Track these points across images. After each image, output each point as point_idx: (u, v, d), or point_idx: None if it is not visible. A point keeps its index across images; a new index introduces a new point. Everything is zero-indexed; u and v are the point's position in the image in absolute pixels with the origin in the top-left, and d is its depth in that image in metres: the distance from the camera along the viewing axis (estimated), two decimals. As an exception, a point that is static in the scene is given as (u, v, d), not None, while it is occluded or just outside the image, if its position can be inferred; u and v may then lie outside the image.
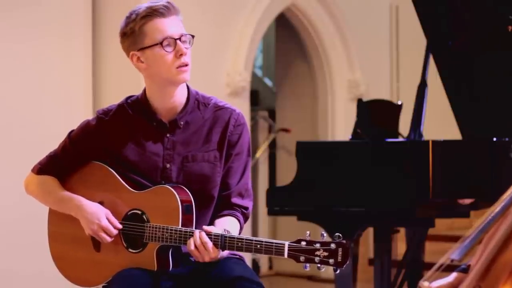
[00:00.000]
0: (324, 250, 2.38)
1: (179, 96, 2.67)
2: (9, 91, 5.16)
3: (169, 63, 2.58)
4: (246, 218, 2.75)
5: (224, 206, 2.70)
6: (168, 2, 2.60)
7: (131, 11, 2.61)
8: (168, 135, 2.68)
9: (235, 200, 2.71)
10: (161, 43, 2.57)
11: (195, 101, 2.70)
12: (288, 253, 2.41)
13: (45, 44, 5.33)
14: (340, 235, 2.39)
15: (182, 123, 2.67)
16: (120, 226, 2.65)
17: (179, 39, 2.59)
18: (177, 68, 2.59)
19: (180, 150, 2.67)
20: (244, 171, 2.74)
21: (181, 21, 2.63)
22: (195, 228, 2.58)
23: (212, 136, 2.68)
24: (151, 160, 2.66)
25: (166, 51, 2.58)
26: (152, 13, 2.57)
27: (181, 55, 2.59)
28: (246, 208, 2.74)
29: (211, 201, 2.69)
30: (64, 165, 2.77)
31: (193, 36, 2.64)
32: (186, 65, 2.60)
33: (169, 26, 2.58)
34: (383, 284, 4.22)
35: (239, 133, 2.71)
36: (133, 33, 2.59)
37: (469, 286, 2.15)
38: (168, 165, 2.66)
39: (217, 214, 2.70)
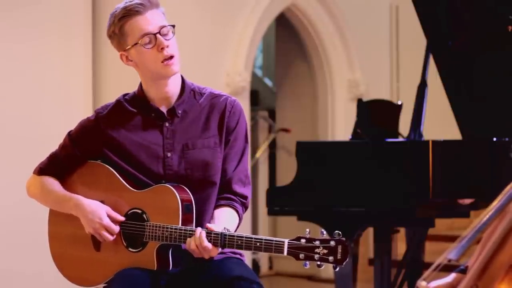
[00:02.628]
0: (324, 248, 2.38)
1: (173, 86, 2.68)
2: (9, 91, 5.15)
3: (153, 59, 2.59)
4: (245, 208, 2.75)
5: (225, 193, 2.70)
6: None
7: (111, 12, 2.63)
8: (166, 124, 2.69)
9: (236, 187, 2.71)
10: (139, 42, 2.58)
11: (190, 91, 2.72)
12: (287, 250, 2.41)
13: (45, 44, 5.33)
14: (340, 232, 2.39)
15: (180, 111, 2.68)
16: (122, 218, 2.64)
17: (158, 33, 2.59)
18: (162, 62, 2.60)
19: (180, 138, 2.68)
20: (241, 157, 2.74)
21: (162, 13, 2.63)
22: (198, 218, 2.60)
23: (210, 123, 2.69)
24: (151, 150, 2.67)
25: (146, 48, 2.59)
26: (127, 13, 2.58)
27: (162, 48, 2.59)
28: (246, 197, 2.74)
29: (214, 188, 2.69)
30: (65, 164, 2.76)
31: (173, 26, 2.63)
32: (171, 57, 2.60)
33: (146, 22, 2.58)
34: (383, 284, 4.22)
35: (236, 119, 2.72)
36: (116, 35, 2.62)
37: (466, 286, 2.16)
38: (169, 154, 2.67)
39: (217, 202, 2.69)
